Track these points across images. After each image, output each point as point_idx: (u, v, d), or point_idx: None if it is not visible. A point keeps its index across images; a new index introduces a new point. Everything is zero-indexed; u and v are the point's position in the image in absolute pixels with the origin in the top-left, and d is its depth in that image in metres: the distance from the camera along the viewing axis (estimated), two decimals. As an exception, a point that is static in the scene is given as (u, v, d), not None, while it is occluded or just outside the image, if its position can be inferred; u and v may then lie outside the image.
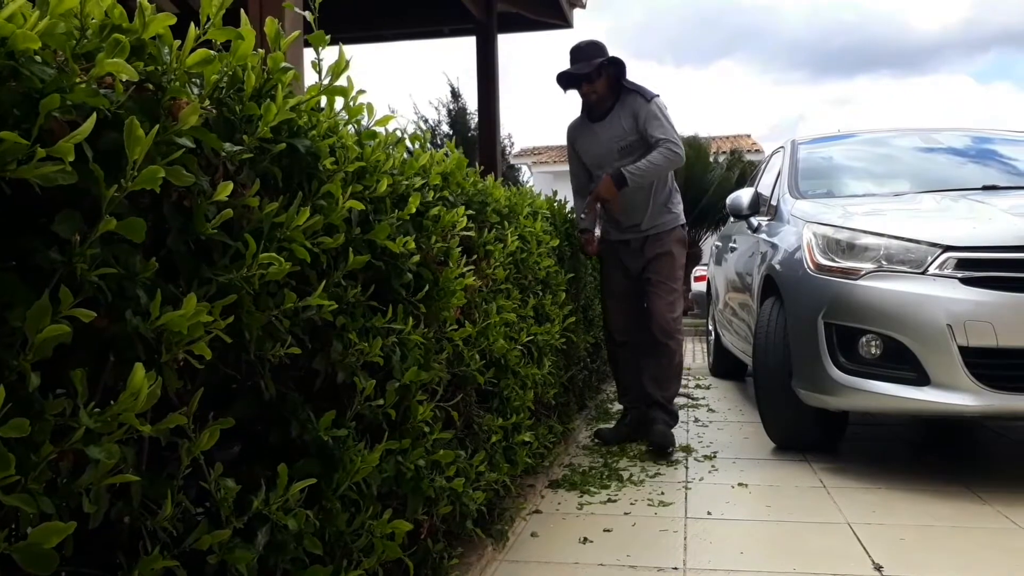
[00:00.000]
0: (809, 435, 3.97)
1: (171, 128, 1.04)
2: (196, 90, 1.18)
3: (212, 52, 1.13)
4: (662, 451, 3.97)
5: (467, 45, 8.08)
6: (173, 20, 1.07)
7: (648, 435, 4.10)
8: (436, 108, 21.94)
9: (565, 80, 4.22)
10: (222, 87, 1.23)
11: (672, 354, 4.21)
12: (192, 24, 1.09)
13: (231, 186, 1.12)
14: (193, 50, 1.10)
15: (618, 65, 4.17)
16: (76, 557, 0.97)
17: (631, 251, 4.35)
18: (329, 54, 1.46)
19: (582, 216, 4.31)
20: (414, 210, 1.77)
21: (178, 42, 1.10)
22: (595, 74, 4.12)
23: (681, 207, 4.37)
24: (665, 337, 4.18)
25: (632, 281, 4.37)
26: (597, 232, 4.49)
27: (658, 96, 4.13)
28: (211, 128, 1.17)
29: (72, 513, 0.92)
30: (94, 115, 0.89)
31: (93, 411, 0.90)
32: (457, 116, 21.20)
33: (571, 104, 4.23)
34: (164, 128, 1.03)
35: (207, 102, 1.19)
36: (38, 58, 0.91)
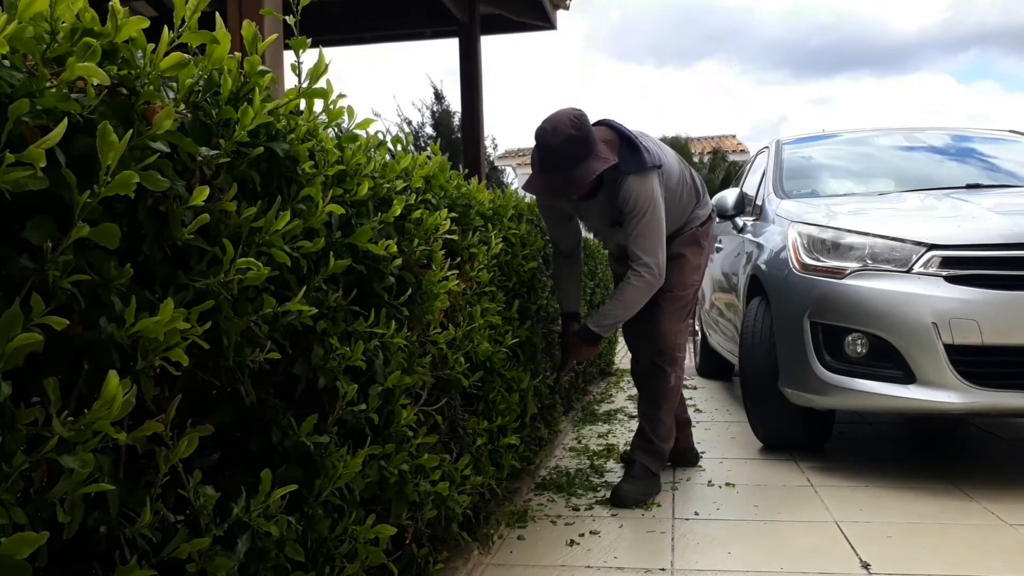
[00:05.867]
0: (796, 434, 3.97)
1: (145, 133, 1.03)
2: (171, 94, 1.17)
3: (187, 56, 1.11)
4: (619, 505, 3.15)
5: (450, 46, 8.10)
6: (146, 24, 1.05)
7: (620, 482, 3.27)
8: (420, 110, 21.93)
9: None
10: (198, 91, 1.22)
11: (667, 378, 3.40)
12: (165, 28, 1.07)
13: (207, 191, 1.11)
14: (167, 54, 1.08)
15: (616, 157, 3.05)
16: (51, 567, 0.96)
17: None
18: (310, 57, 1.45)
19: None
20: (398, 213, 1.76)
21: (152, 46, 1.08)
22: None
23: (706, 202, 3.55)
24: (663, 360, 3.38)
25: None
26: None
27: (649, 196, 3.08)
28: (187, 132, 1.16)
29: (46, 523, 0.90)
30: (65, 120, 0.87)
31: (67, 420, 0.89)
32: (441, 118, 21.15)
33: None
34: (138, 133, 1.02)
35: (182, 106, 1.18)
36: (7, 62, 0.90)
